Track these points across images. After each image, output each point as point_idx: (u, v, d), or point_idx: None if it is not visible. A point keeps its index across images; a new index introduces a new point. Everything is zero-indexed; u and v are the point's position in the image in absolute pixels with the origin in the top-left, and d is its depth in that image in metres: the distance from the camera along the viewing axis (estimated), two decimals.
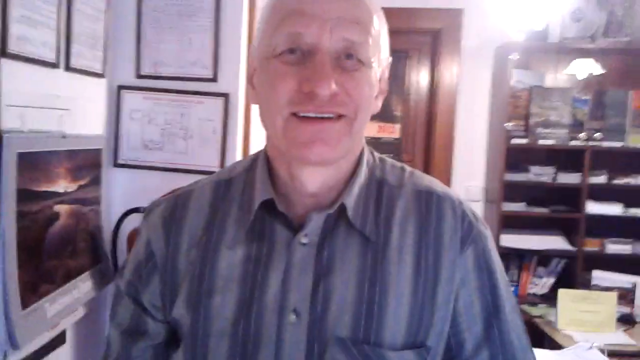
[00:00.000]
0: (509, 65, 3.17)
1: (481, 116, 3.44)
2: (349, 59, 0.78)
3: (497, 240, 3.16)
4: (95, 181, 1.71)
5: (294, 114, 0.78)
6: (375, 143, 3.44)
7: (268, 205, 0.85)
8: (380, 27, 0.83)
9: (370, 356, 0.81)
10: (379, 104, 0.88)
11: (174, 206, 0.92)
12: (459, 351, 0.87)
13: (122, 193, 1.90)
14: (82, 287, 1.63)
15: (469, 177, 3.45)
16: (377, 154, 0.95)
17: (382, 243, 0.84)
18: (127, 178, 1.91)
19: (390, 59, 0.89)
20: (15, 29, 1.28)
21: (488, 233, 0.91)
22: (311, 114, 0.77)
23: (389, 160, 0.96)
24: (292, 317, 0.81)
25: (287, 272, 0.82)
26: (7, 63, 1.26)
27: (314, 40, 0.76)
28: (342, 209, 0.84)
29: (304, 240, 0.83)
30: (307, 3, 0.77)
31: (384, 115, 3.46)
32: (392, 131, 3.49)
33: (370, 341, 0.81)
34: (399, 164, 0.95)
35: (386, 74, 0.88)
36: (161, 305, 0.91)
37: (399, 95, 3.49)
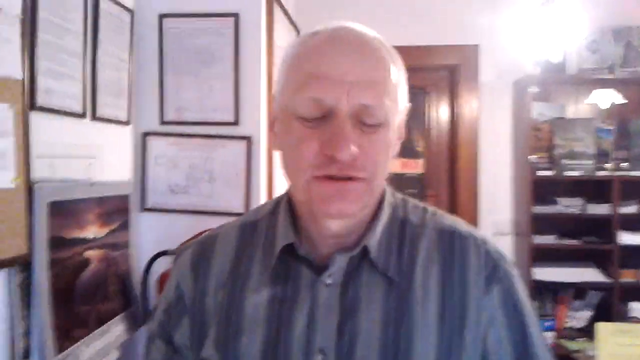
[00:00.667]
0: (528, 98, 3.18)
1: (504, 149, 3.43)
2: (367, 120, 0.79)
3: (529, 274, 3.10)
4: (124, 226, 1.74)
5: (316, 176, 0.79)
6: (399, 179, 3.44)
7: (291, 248, 0.86)
8: (398, 79, 0.83)
9: None
10: (397, 148, 0.89)
11: (202, 249, 0.95)
12: None
13: (150, 237, 1.93)
14: (115, 330, 1.65)
15: (496, 211, 3.42)
16: (398, 195, 0.96)
17: (406, 283, 0.84)
18: (155, 222, 1.95)
19: (409, 104, 0.89)
20: (42, 83, 1.33)
21: (514, 272, 0.90)
22: (332, 174, 0.78)
23: (412, 200, 0.96)
24: (319, 358, 0.81)
25: (312, 312, 0.83)
26: (36, 115, 1.31)
27: (333, 103, 0.77)
28: (366, 250, 0.85)
29: (329, 280, 0.84)
30: (324, 66, 0.78)
31: (406, 151, 3.47)
32: (416, 167, 3.50)
33: None
34: (421, 204, 0.96)
35: (404, 119, 0.89)
36: (190, 346, 0.92)
37: (420, 131, 3.51)
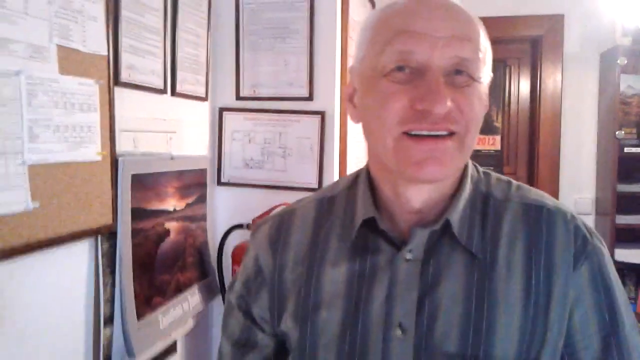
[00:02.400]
0: (616, 71, 3.01)
1: (589, 125, 3.28)
2: (460, 75, 0.77)
3: (610, 255, 2.98)
4: (201, 199, 1.80)
5: (405, 133, 0.77)
6: (473, 155, 3.35)
7: (370, 223, 0.85)
8: (486, 44, 0.82)
9: None
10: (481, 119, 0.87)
11: (280, 224, 0.96)
12: None
13: (225, 210, 1.99)
14: (192, 300, 1.71)
15: (578, 189, 3.29)
16: (481, 168, 0.93)
17: (489, 259, 0.82)
18: (230, 196, 1.99)
19: (492, 74, 0.88)
20: (125, 59, 1.38)
21: (604, 248, 0.87)
22: (424, 132, 0.76)
23: (494, 174, 0.94)
24: (398, 332, 0.81)
25: (392, 287, 0.83)
26: (120, 91, 1.36)
27: (425, 58, 0.75)
28: (447, 224, 0.83)
29: (409, 256, 0.83)
30: (416, 23, 0.76)
31: (482, 127, 3.35)
32: (492, 143, 3.40)
33: (480, 357, 0.79)
34: (505, 177, 0.93)
35: (487, 89, 0.87)
36: (269, 319, 0.94)
37: (498, 106, 3.40)
